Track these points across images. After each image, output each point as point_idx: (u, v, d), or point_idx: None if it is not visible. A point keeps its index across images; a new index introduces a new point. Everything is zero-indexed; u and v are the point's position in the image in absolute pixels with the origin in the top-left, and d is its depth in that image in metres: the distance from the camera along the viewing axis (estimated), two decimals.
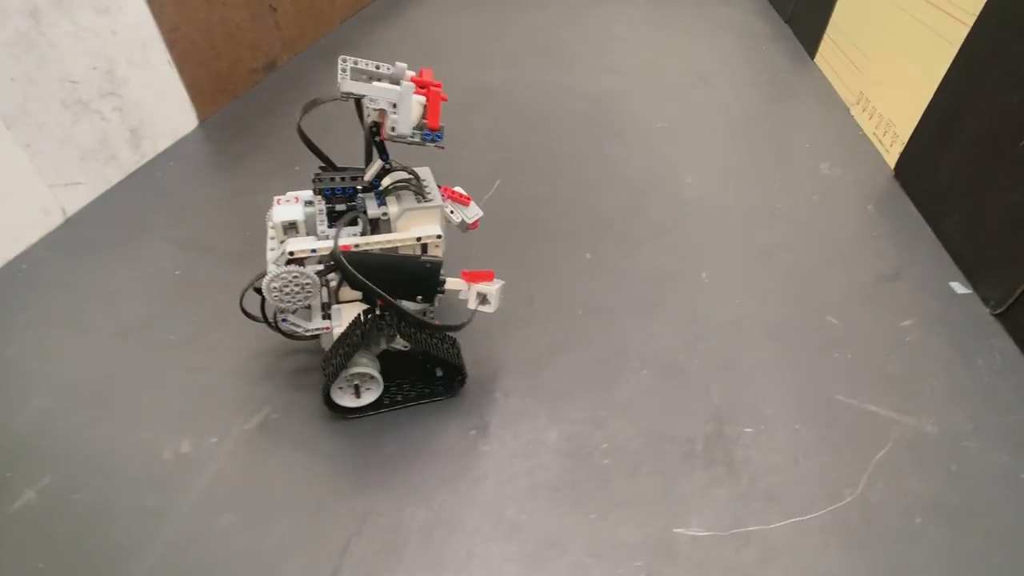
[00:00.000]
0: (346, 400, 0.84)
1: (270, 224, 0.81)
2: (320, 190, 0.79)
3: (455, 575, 0.70)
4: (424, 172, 0.87)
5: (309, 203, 0.81)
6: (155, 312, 1.04)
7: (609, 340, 1.01)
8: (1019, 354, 1.02)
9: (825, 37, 2.17)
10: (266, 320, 0.84)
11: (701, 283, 1.14)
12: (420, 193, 0.83)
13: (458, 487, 0.78)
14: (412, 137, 0.76)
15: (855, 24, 1.97)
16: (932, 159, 1.39)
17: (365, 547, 0.72)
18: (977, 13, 1.28)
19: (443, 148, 0.79)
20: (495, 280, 0.83)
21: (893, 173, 1.52)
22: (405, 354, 0.85)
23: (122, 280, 1.11)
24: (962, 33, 1.33)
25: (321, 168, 0.83)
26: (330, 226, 0.79)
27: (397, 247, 0.81)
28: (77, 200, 1.31)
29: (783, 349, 1.00)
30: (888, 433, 0.87)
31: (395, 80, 0.75)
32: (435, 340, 0.83)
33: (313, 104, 0.75)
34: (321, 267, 0.77)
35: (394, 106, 0.73)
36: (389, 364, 0.85)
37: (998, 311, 1.10)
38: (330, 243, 0.76)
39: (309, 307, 0.84)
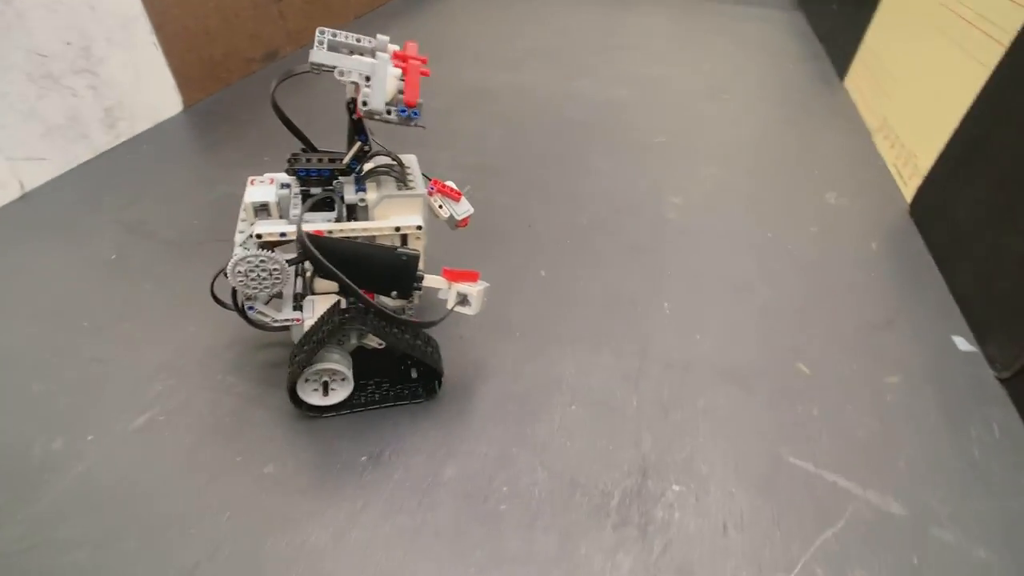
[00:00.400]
0: (313, 398, 0.79)
1: (242, 206, 0.77)
2: (294, 171, 0.73)
3: None
4: (410, 159, 0.83)
5: (286, 185, 0.77)
6: (76, 296, 1.00)
7: (542, 368, 0.91)
8: (1022, 428, 0.87)
9: (856, 57, 2.02)
10: (236, 307, 0.79)
11: (662, 314, 1.03)
12: (402, 180, 0.78)
13: (329, 520, 0.70)
14: (387, 114, 0.68)
15: (886, 43, 1.82)
16: (950, 195, 1.24)
17: None
18: (1016, 31, 1.14)
19: (423, 128, 0.71)
20: (479, 281, 0.78)
21: (908, 209, 1.37)
22: (380, 352, 0.81)
23: (56, 261, 1.07)
24: (996, 54, 1.18)
25: (302, 150, 0.77)
26: (309, 209, 0.74)
27: (374, 236, 0.76)
28: (39, 176, 1.28)
29: (738, 396, 0.89)
30: (843, 508, 0.75)
31: (379, 52, 0.69)
32: (409, 337, 0.77)
33: (288, 75, 0.70)
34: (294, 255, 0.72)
35: (367, 79, 0.67)
36: (363, 362, 0.80)
37: (1004, 375, 0.95)
38: (315, 225, 0.70)
39: (281, 296, 0.81)
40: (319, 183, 0.75)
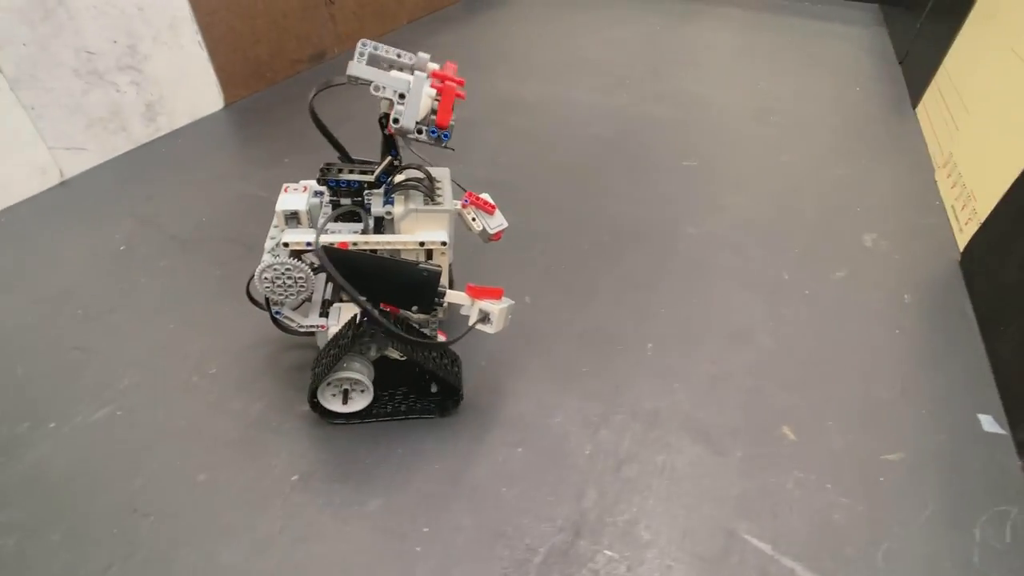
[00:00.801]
0: (334, 404, 0.79)
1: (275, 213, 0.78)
2: (325, 181, 0.74)
3: None
4: (442, 173, 0.82)
5: (319, 194, 0.78)
6: (79, 283, 1.05)
7: (498, 404, 0.87)
8: None
9: (932, 84, 1.83)
10: (268, 309, 0.80)
11: (643, 356, 0.96)
12: (430, 195, 0.77)
13: (244, 536, 0.69)
14: (418, 133, 0.69)
15: (964, 69, 1.64)
16: (1006, 247, 1.10)
17: None
18: None
19: (452, 150, 0.73)
20: (503, 299, 0.76)
21: (959, 259, 1.23)
22: (401, 364, 0.80)
23: (71, 247, 1.14)
24: None
25: (339, 158, 0.78)
26: (336, 220, 0.75)
27: (399, 250, 0.76)
28: (78, 164, 1.37)
29: (704, 457, 0.81)
30: None
31: (419, 70, 0.70)
32: (426, 352, 0.77)
33: (326, 86, 0.71)
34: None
35: (401, 97, 0.67)
36: (385, 373, 0.81)
37: None
38: (327, 238, 0.71)
39: (310, 300, 0.82)
40: (349, 194, 0.75)
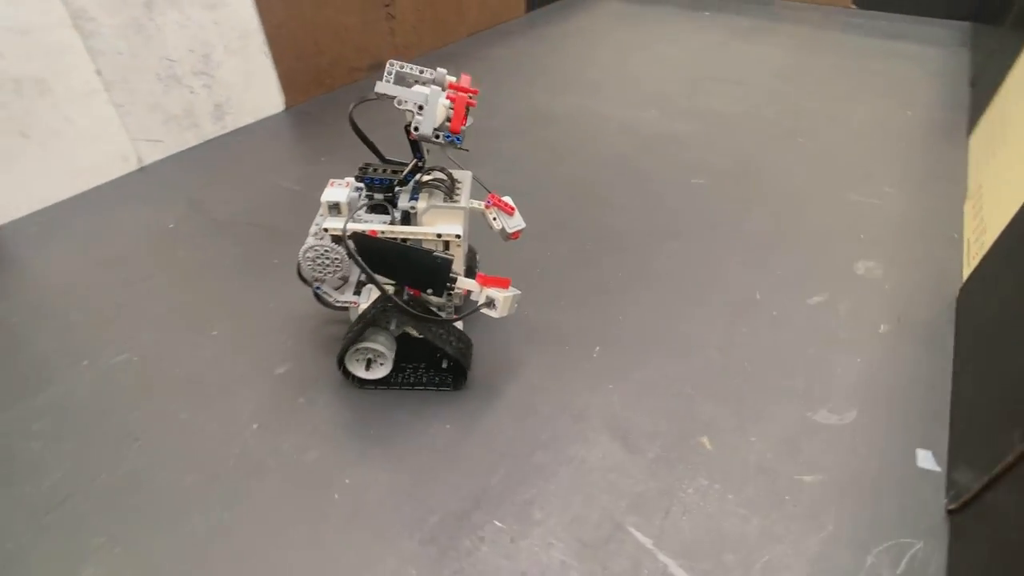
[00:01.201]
0: (357, 369, 0.92)
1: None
2: (362, 178, 0.87)
3: None
4: (464, 176, 0.93)
5: (359, 189, 0.90)
6: (131, 253, 1.26)
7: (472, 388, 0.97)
8: (940, 571, 0.75)
9: (988, 109, 1.73)
10: (310, 285, 0.94)
11: (589, 356, 1.02)
12: (449, 194, 0.88)
13: (199, 471, 0.84)
14: (435, 138, 0.81)
15: (1015, 94, 1.54)
16: (991, 287, 1.06)
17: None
18: None
19: (466, 151, 0.84)
20: (509, 288, 0.86)
21: (958, 294, 1.18)
22: (419, 341, 0.92)
23: (134, 222, 1.36)
24: None
25: (381, 160, 0.92)
26: (367, 212, 0.88)
27: (420, 240, 0.87)
28: (154, 154, 1.62)
29: (616, 454, 0.87)
30: None
31: (439, 84, 0.82)
32: (439, 331, 0.88)
33: (362, 100, 0.83)
34: None
35: (420, 108, 0.79)
36: (406, 347, 0.93)
37: (952, 506, 0.81)
38: (359, 226, 0.84)
39: (347, 280, 0.95)
40: (381, 190, 0.87)
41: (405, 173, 0.86)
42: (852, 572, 0.74)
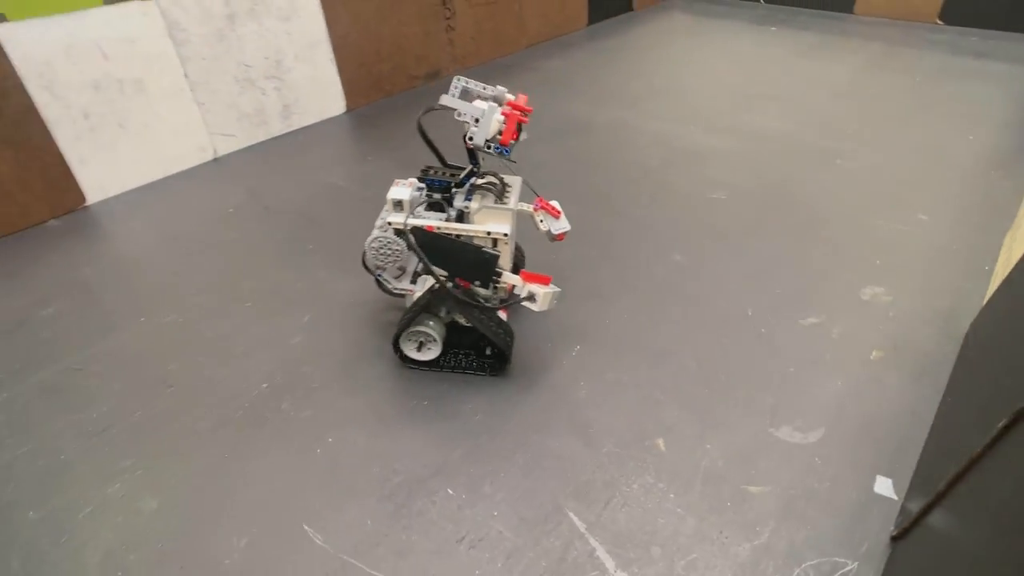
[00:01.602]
0: (410, 351, 1.03)
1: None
2: (423, 179, 0.98)
3: None
4: (514, 181, 1.03)
5: (420, 188, 0.99)
6: (194, 230, 1.45)
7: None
8: None
9: None
10: (372, 273, 1.04)
11: (568, 355, 1.09)
12: (500, 196, 0.98)
13: (209, 419, 0.99)
14: (487, 149, 0.91)
15: None
16: (1001, 318, 1.03)
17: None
18: None
19: (513, 162, 0.93)
20: (550, 285, 0.93)
21: (968, 328, 1.15)
22: (467, 328, 1.01)
23: (201, 205, 1.57)
24: None
25: (442, 163, 1.02)
26: (426, 210, 0.98)
27: (472, 237, 0.95)
28: (228, 147, 1.84)
29: (572, 446, 0.93)
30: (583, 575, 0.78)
31: (498, 100, 0.92)
32: (484, 319, 0.97)
33: (429, 110, 0.92)
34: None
35: (476, 120, 0.89)
36: (455, 334, 1.04)
37: (894, 533, 0.82)
38: (418, 221, 0.94)
39: (404, 270, 1.05)
40: (439, 190, 0.98)
41: (462, 176, 0.97)
42: None
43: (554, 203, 1.00)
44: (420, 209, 0.98)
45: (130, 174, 1.62)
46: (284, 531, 0.82)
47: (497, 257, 0.91)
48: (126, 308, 1.21)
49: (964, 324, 1.15)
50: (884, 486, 0.88)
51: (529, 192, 1.01)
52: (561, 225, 0.99)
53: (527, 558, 0.79)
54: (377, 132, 1.97)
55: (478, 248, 0.92)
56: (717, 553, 0.80)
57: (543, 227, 0.99)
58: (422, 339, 1.01)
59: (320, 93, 2.02)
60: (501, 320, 1.01)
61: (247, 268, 1.32)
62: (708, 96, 2.18)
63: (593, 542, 0.81)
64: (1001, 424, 0.64)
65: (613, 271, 1.29)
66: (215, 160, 1.80)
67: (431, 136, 0.97)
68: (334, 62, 2.01)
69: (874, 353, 1.10)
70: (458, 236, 0.95)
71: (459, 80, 0.91)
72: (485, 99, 0.92)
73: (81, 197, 1.53)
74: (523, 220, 1.01)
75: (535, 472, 0.90)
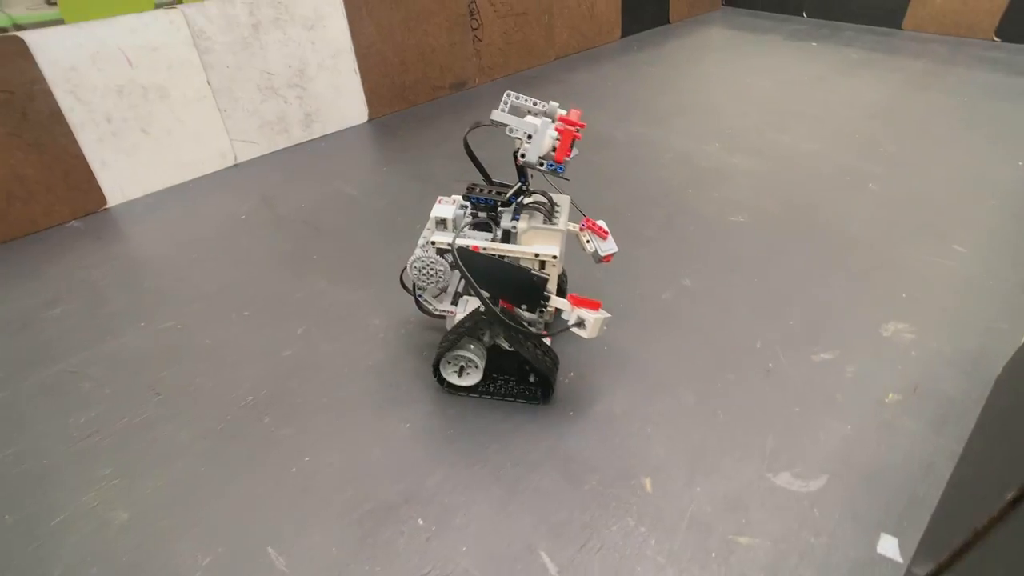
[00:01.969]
0: (451, 376, 0.98)
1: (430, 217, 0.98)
2: (468, 197, 0.95)
3: None
4: (563, 200, 1.00)
5: (464, 206, 0.96)
6: (204, 236, 1.47)
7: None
8: None
9: None
10: (412, 292, 1.02)
11: (560, 382, 1.05)
12: (549, 216, 0.95)
13: (189, 430, 0.98)
14: (540, 166, 0.88)
15: None
16: None
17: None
18: None
19: (567, 179, 0.91)
20: (600, 310, 0.88)
21: (1000, 372, 1.06)
22: (509, 353, 0.96)
23: (215, 210, 1.59)
24: None
25: (486, 181, 0.99)
26: (471, 228, 0.95)
27: (518, 258, 0.92)
28: (249, 153, 1.86)
29: (553, 479, 0.89)
30: None
31: (548, 116, 0.89)
32: (528, 344, 0.92)
33: (476, 125, 0.91)
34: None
35: (529, 137, 0.87)
36: (496, 359, 0.98)
37: None
38: (466, 241, 0.91)
39: (445, 291, 1.03)
40: (485, 209, 0.95)
41: (509, 195, 0.93)
42: None
43: (600, 223, 0.97)
44: (465, 228, 0.95)
45: (151, 178, 1.66)
46: (248, 552, 0.81)
47: (546, 280, 0.87)
48: (129, 312, 1.23)
49: (995, 369, 1.06)
50: (889, 546, 0.81)
51: (575, 211, 0.98)
52: (608, 246, 0.96)
53: None
54: (396, 143, 1.97)
55: (526, 270, 0.87)
56: None
57: (589, 248, 0.96)
58: (463, 364, 0.97)
59: (342, 102, 2.03)
60: (545, 346, 0.95)
61: (250, 276, 1.33)
62: (738, 113, 2.11)
63: None
64: (1010, 496, 0.57)
65: (617, 294, 1.25)
66: (235, 166, 1.83)
67: (476, 152, 0.95)
68: (357, 72, 2.02)
69: (890, 396, 1.02)
70: (503, 257, 0.90)
71: (509, 95, 0.88)
72: (536, 114, 0.89)
73: (102, 199, 1.58)
74: (568, 240, 0.98)
75: (511, 506, 0.86)
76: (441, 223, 0.93)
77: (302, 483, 0.89)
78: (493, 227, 0.94)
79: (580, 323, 0.88)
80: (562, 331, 0.91)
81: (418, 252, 0.94)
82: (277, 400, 1.03)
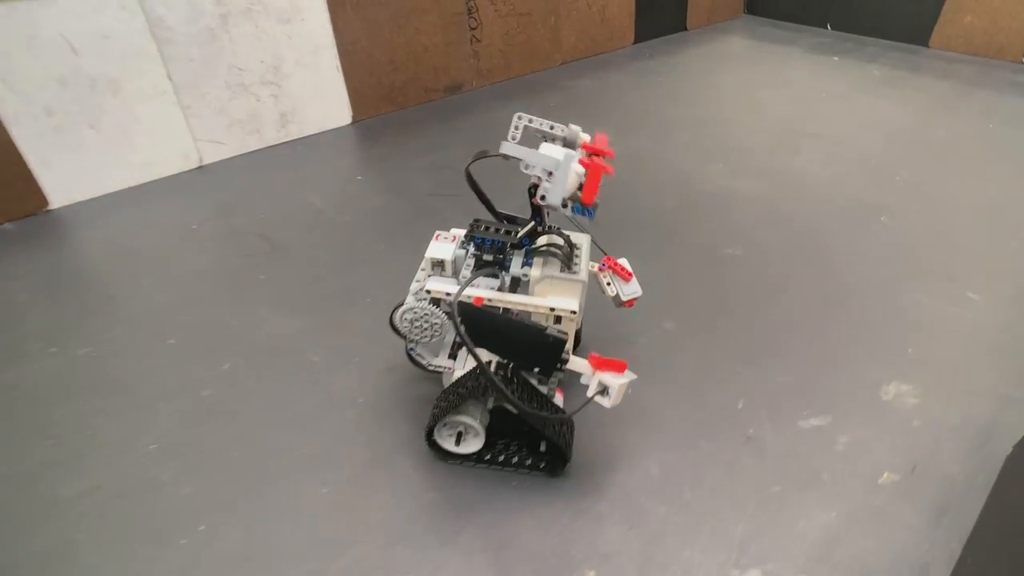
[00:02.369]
0: (447, 443, 0.84)
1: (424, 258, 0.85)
2: (472, 237, 0.81)
3: None
4: (582, 239, 0.85)
5: (466, 245, 0.84)
6: (146, 248, 1.35)
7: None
8: None
9: None
10: (405, 345, 0.88)
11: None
12: (567, 263, 0.80)
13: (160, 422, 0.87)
14: (563, 207, 0.73)
15: None
16: None
17: None
18: None
19: (596, 223, 0.76)
20: (626, 372, 0.75)
21: (1011, 450, 0.91)
22: (516, 416, 0.81)
23: (168, 218, 1.47)
24: None
25: (493, 213, 0.85)
26: (474, 270, 0.81)
27: (530, 312, 0.79)
28: (216, 154, 1.75)
29: (480, 570, 0.77)
30: None
31: (569, 143, 0.75)
32: (534, 406, 0.78)
33: (481, 156, 0.78)
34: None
35: (550, 174, 0.71)
36: (499, 422, 0.83)
37: None
38: (471, 289, 0.78)
39: (442, 342, 0.90)
40: (491, 251, 0.80)
41: (520, 235, 0.79)
42: None
43: (622, 262, 0.84)
44: (465, 271, 0.81)
45: (101, 179, 1.55)
46: None
47: (564, 342, 0.73)
48: (43, 334, 1.11)
49: (1005, 446, 0.91)
50: None
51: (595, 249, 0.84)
52: (632, 290, 0.85)
53: None
54: (377, 149, 1.84)
55: (540, 328, 0.73)
56: None
57: (610, 291, 0.84)
58: (461, 429, 0.83)
59: (322, 102, 1.91)
60: (556, 405, 0.81)
61: (186, 297, 1.21)
62: (747, 131, 1.96)
63: None
64: None
65: (587, 335, 1.11)
66: (200, 168, 1.72)
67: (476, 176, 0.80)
68: (340, 70, 1.90)
69: (885, 475, 0.88)
70: (505, 310, 0.78)
71: (521, 119, 0.74)
72: (553, 141, 0.74)
73: (43, 200, 1.47)
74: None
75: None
76: (439, 265, 0.81)
77: (189, 558, 0.77)
78: (502, 273, 0.79)
79: (603, 390, 0.74)
80: (583, 407, 0.75)
81: (410, 301, 0.80)
82: (183, 450, 0.90)
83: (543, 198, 0.72)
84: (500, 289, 0.79)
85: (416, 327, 0.81)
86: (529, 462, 0.85)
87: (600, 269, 0.84)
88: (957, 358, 1.08)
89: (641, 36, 2.85)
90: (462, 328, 0.71)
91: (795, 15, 3.16)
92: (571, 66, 2.54)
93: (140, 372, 1.03)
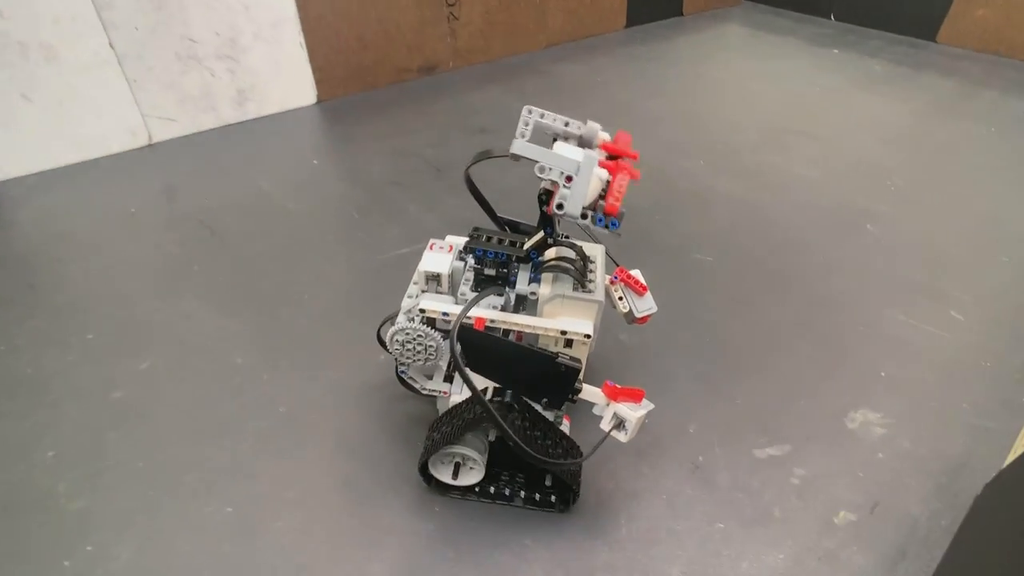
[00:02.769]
0: (443, 475, 0.76)
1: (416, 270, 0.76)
2: (472, 249, 0.72)
3: None
4: (596, 251, 0.77)
5: (464, 256, 0.76)
6: (77, 233, 1.27)
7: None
8: None
9: None
10: (395, 365, 0.80)
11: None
12: (581, 279, 0.71)
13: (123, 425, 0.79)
14: (583, 218, 0.63)
15: None
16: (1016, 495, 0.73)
17: None
18: None
19: (619, 235, 0.65)
20: (643, 402, 0.68)
21: (981, 490, 0.84)
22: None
23: (107, 200, 1.38)
24: None
25: (495, 219, 0.77)
26: (472, 290, 0.73)
27: (538, 336, 0.71)
28: (167, 132, 1.65)
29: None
30: None
31: (585, 142, 0.65)
32: (548, 445, 0.70)
33: (484, 156, 0.69)
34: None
35: (568, 179, 0.62)
36: (501, 453, 0.76)
37: None
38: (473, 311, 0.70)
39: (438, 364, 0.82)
40: (494, 265, 0.72)
41: (528, 247, 0.70)
42: None
43: (636, 273, 0.76)
44: (464, 287, 0.72)
45: (38, 154, 1.45)
46: None
47: (578, 371, 0.64)
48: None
49: (975, 484, 0.85)
50: None
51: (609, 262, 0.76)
52: (647, 305, 0.77)
53: None
54: (340, 130, 1.75)
55: (549, 356, 0.64)
56: None
57: (622, 307, 0.76)
58: (459, 460, 0.75)
59: (284, 80, 1.81)
60: (563, 435, 0.73)
61: (112, 288, 1.12)
62: (735, 127, 1.86)
63: None
64: None
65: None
66: (150, 146, 1.62)
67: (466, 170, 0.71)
68: (304, 46, 1.80)
69: (841, 514, 0.81)
70: (507, 333, 0.70)
71: (531, 112, 0.63)
72: (568, 139, 0.64)
73: None
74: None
75: None
76: (434, 279, 0.72)
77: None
78: (507, 290, 0.71)
79: (619, 424, 0.67)
80: (599, 445, 0.67)
81: (402, 321, 0.71)
82: (84, 458, 0.83)
83: (560, 207, 0.61)
84: (504, 308, 0.70)
85: (408, 350, 0.72)
86: (536, 498, 0.77)
87: (612, 282, 0.75)
88: (932, 384, 1.01)
89: (633, 20, 2.73)
90: (461, 360, 0.63)
91: (798, 3, 3.04)
92: (556, 49, 2.43)
93: (51, 370, 0.95)
